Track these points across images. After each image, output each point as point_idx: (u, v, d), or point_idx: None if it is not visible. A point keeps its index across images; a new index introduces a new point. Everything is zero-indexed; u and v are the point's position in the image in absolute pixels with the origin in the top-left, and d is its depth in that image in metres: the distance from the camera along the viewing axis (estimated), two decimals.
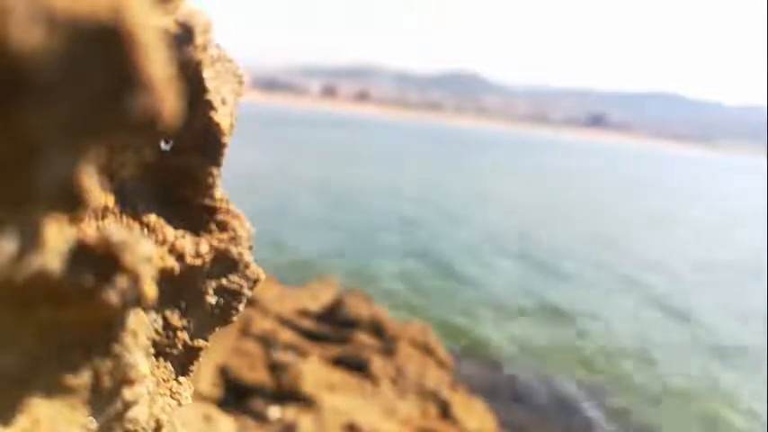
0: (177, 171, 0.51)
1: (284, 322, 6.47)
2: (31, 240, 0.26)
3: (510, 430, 6.14)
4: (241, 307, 0.55)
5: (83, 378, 0.38)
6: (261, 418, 4.62)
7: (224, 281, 0.53)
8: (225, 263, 0.52)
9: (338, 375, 5.48)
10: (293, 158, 29.26)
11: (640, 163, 73.93)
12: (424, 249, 13.64)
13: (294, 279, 8.74)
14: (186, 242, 0.49)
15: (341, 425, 4.58)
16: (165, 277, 0.47)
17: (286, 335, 6.13)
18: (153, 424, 0.47)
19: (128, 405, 0.42)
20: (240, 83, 0.53)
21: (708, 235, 20.71)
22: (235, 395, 4.94)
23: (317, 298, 7.29)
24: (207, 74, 0.48)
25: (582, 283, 12.51)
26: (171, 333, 0.50)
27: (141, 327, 0.43)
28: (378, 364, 5.81)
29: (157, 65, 0.23)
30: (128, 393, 0.41)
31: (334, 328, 6.53)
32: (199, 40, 0.46)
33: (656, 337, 9.82)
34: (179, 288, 0.49)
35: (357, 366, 5.75)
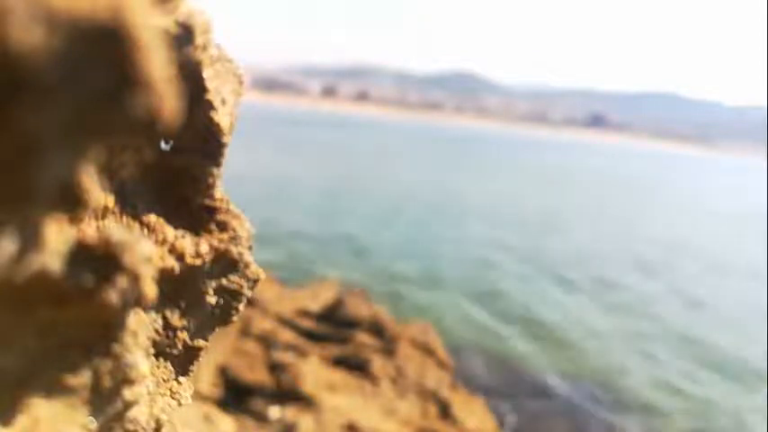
0: (177, 171, 0.50)
1: (284, 322, 6.47)
2: (31, 240, 0.26)
3: (510, 430, 6.14)
4: (241, 307, 0.55)
5: (83, 378, 0.38)
6: (261, 418, 4.62)
7: (224, 281, 0.53)
8: (225, 263, 0.52)
9: (338, 375, 5.48)
10: (293, 159, 29.27)
11: (640, 163, 73.94)
12: (424, 248, 13.65)
13: (294, 279, 8.75)
14: (186, 242, 0.49)
15: (341, 425, 4.58)
16: (165, 277, 0.47)
17: (286, 335, 6.13)
18: (153, 424, 0.47)
19: (128, 405, 0.42)
20: (240, 83, 0.53)
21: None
22: (235, 395, 4.94)
23: (317, 298, 7.29)
24: (207, 74, 0.48)
25: (580, 283, 12.52)
26: (171, 333, 0.50)
27: (141, 327, 0.43)
28: (378, 364, 5.81)
29: (157, 65, 0.23)
30: (128, 393, 0.41)
31: (334, 328, 6.53)
32: (199, 40, 0.46)
33: (661, 337, 9.81)
34: (179, 288, 0.49)
35: (357, 366, 5.74)
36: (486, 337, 8.71)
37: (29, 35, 0.20)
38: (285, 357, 5.53)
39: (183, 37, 0.45)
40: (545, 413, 6.76)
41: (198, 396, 4.40)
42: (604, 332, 9.69)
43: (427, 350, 6.56)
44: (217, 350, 5.32)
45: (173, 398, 0.51)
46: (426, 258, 12.82)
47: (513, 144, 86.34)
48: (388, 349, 6.18)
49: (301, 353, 5.74)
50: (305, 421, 4.52)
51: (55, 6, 0.20)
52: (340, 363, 5.77)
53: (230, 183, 0.57)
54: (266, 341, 5.86)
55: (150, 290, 0.34)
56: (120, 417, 0.43)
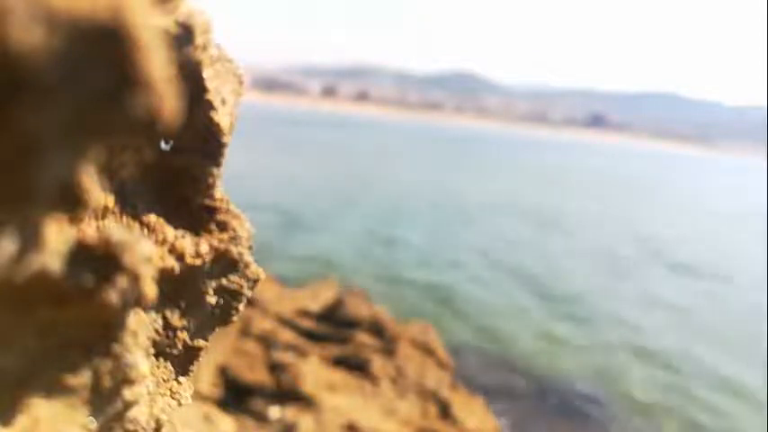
0: (177, 171, 0.50)
1: (284, 322, 6.47)
2: (31, 240, 0.26)
3: (510, 430, 6.14)
4: (241, 307, 0.55)
5: (83, 378, 0.38)
6: (261, 418, 4.62)
7: (224, 281, 0.53)
8: (225, 263, 0.52)
9: (338, 375, 5.48)
10: (293, 158, 29.28)
11: (640, 163, 74.03)
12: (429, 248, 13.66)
13: (294, 279, 8.75)
14: (186, 242, 0.49)
15: (341, 425, 4.58)
16: (165, 277, 0.47)
17: (286, 335, 6.13)
18: (153, 424, 0.47)
19: (128, 405, 0.42)
20: (240, 83, 0.53)
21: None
22: (235, 395, 4.94)
23: (317, 298, 7.29)
24: (207, 74, 0.48)
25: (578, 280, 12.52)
26: (171, 333, 0.50)
27: (141, 327, 0.43)
28: (378, 364, 5.81)
29: (157, 65, 0.23)
30: (128, 393, 0.41)
31: (334, 328, 6.53)
32: (199, 40, 0.46)
33: (660, 338, 9.82)
34: (179, 288, 0.49)
35: (357, 366, 5.75)
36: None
37: (29, 35, 0.20)
38: (285, 357, 5.53)
39: (183, 37, 0.45)
40: (545, 413, 6.77)
41: (198, 396, 4.40)
42: (599, 334, 9.70)
43: (427, 350, 6.56)
44: (217, 350, 5.32)
45: (173, 398, 0.51)
46: (412, 257, 12.80)
47: (513, 144, 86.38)
48: (388, 349, 6.18)
49: (301, 353, 5.74)
50: (305, 421, 4.52)
51: (55, 6, 0.20)
52: (340, 363, 5.77)
53: (230, 183, 0.57)
54: (266, 341, 5.86)
55: (150, 290, 0.34)
56: (120, 417, 0.43)
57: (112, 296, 0.32)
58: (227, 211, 0.52)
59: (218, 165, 0.51)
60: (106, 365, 0.39)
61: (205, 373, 4.94)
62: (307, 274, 9.45)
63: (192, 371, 0.54)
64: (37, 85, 0.21)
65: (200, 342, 0.53)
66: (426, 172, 30.69)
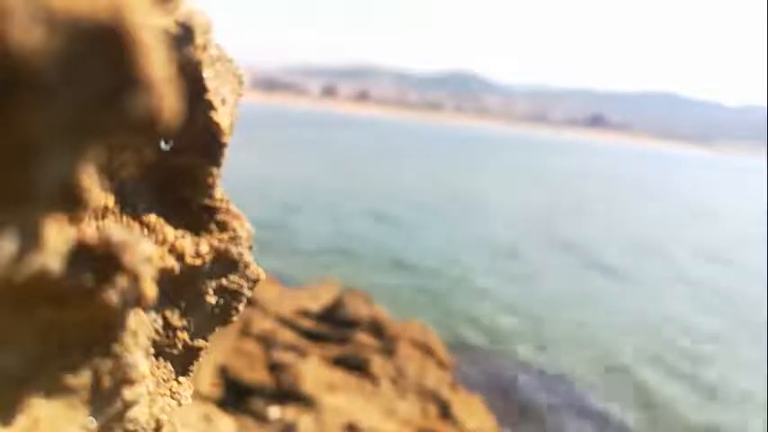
0: (177, 171, 0.50)
1: (284, 322, 6.47)
2: (31, 240, 0.26)
3: (510, 430, 6.14)
4: (241, 307, 0.55)
5: (83, 378, 0.38)
6: (261, 418, 4.62)
7: (224, 281, 0.53)
8: (225, 263, 0.52)
9: (338, 375, 5.48)
10: (294, 158, 29.29)
11: (640, 163, 74.05)
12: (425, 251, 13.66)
13: (294, 279, 8.75)
14: (186, 242, 0.49)
15: (341, 425, 4.58)
16: (165, 277, 0.47)
17: (286, 335, 6.13)
18: (153, 424, 0.47)
19: (128, 405, 0.42)
20: (240, 83, 0.53)
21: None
22: (235, 395, 4.94)
23: (317, 298, 7.29)
24: (207, 74, 0.48)
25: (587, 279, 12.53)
26: (171, 333, 0.50)
27: (141, 327, 0.43)
28: (378, 364, 5.81)
29: (157, 65, 0.23)
30: (128, 393, 0.41)
31: (334, 328, 6.53)
32: (199, 40, 0.46)
33: (662, 339, 9.82)
34: (179, 288, 0.49)
35: (357, 366, 5.74)
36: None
37: (29, 35, 0.20)
38: (285, 357, 5.53)
39: (183, 37, 0.45)
40: (545, 413, 6.76)
41: (198, 396, 4.40)
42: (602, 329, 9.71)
43: (427, 350, 6.56)
44: (217, 350, 5.32)
45: (173, 398, 0.51)
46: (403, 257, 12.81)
47: (513, 144, 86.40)
48: (388, 349, 6.18)
49: (301, 353, 5.74)
50: (305, 421, 4.52)
51: (55, 6, 0.20)
52: (340, 363, 5.77)
53: (231, 183, 0.57)
54: (266, 341, 5.86)
55: (150, 290, 0.34)
56: (120, 417, 0.43)
57: (112, 296, 0.32)
58: (227, 211, 0.52)
59: (217, 165, 0.51)
60: (106, 365, 0.39)
61: (205, 373, 4.94)
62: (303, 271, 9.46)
63: (191, 371, 0.54)
64: (37, 85, 0.21)
65: (200, 342, 0.53)
66: (426, 172, 30.68)
